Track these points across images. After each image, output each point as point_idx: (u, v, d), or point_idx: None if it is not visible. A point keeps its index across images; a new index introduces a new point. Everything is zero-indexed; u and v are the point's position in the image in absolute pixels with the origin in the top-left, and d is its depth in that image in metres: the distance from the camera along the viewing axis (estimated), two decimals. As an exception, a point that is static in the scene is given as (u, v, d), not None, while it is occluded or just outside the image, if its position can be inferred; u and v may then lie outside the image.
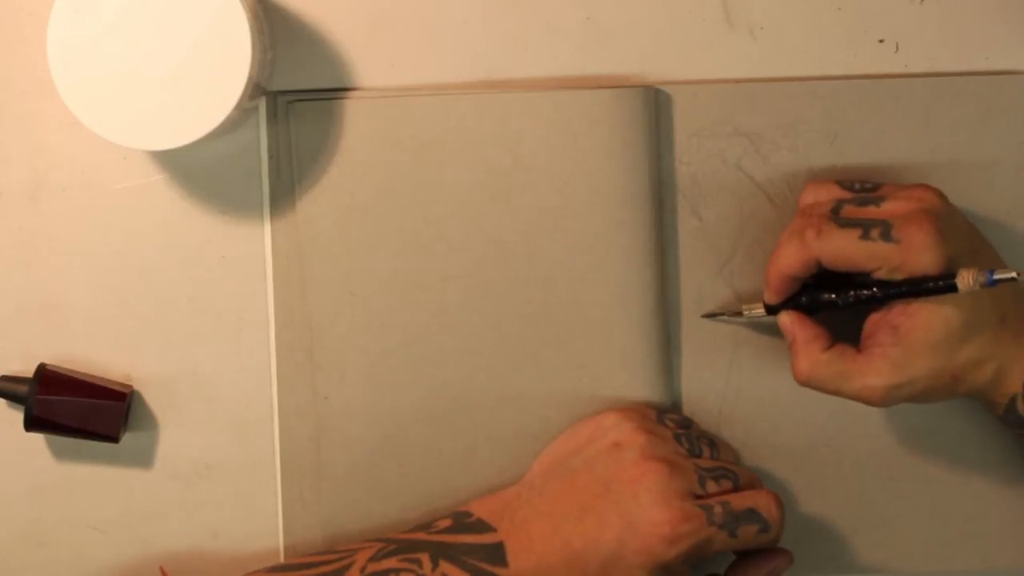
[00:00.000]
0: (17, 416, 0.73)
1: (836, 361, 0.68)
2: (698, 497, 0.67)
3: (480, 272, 0.73)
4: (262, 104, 0.72)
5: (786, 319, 0.70)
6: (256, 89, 0.68)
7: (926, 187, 0.68)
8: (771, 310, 0.71)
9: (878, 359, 0.67)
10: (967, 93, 0.73)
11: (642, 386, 0.73)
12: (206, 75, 0.65)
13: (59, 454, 0.74)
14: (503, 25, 0.73)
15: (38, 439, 0.74)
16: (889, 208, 0.67)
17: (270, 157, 0.73)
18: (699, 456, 0.70)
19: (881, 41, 0.74)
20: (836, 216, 0.68)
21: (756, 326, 0.74)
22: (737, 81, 0.73)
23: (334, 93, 0.73)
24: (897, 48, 0.74)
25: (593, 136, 0.72)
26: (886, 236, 0.66)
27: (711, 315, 0.74)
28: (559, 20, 0.73)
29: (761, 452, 0.75)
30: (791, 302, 0.70)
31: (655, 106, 0.73)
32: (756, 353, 0.74)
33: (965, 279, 0.64)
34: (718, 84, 0.73)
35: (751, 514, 0.67)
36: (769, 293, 0.70)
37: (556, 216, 0.72)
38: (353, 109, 0.72)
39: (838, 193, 0.70)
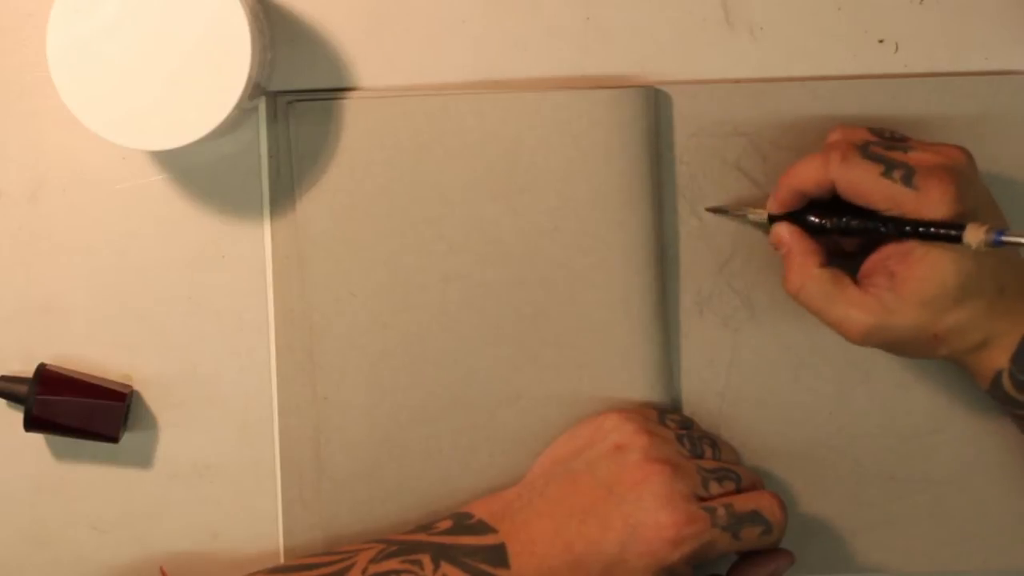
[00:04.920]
0: (17, 416, 0.73)
1: (829, 281, 0.68)
2: (701, 499, 0.67)
3: (480, 272, 0.72)
4: (262, 104, 0.72)
5: (783, 230, 0.69)
6: (256, 89, 0.68)
7: (955, 146, 0.68)
8: (772, 220, 0.70)
9: (871, 296, 0.66)
10: (967, 93, 0.73)
11: (642, 386, 0.73)
12: (206, 75, 0.65)
13: (59, 454, 0.74)
14: (503, 25, 0.73)
15: (38, 439, 0.74)
16: (916, 156, 0.67)
17: (270, 157, 0.73)
18: (701, 457, 0.70)
19: (881, 41, 0.74)
20: (863, 150, 0.67)
21: (755, 325, 0.74)
22: (737, 81, 0.73)
23: (334, 93, 0.72)
24: (897, 48, 0.74)
25: (593, 136, 0.72)
26: (907, 180, 0.65)
27: (715, 209, 0.73)
28: (559, 20, 0.73)
29: (761, 452, 0.75)
30: (792, 216, 0.70)
31: (655, 106, 0.73)
32: (756, 353, 0.74)
33: (973, 234, 0.62)
34: (718, 84, 0.73)
35: (754, 516, 0.67)
36: (774, 202, 0.70)
37: (556, 216, 0.72)
38: (353, 109, 0.72)
39: (868, 136, 0.69)
